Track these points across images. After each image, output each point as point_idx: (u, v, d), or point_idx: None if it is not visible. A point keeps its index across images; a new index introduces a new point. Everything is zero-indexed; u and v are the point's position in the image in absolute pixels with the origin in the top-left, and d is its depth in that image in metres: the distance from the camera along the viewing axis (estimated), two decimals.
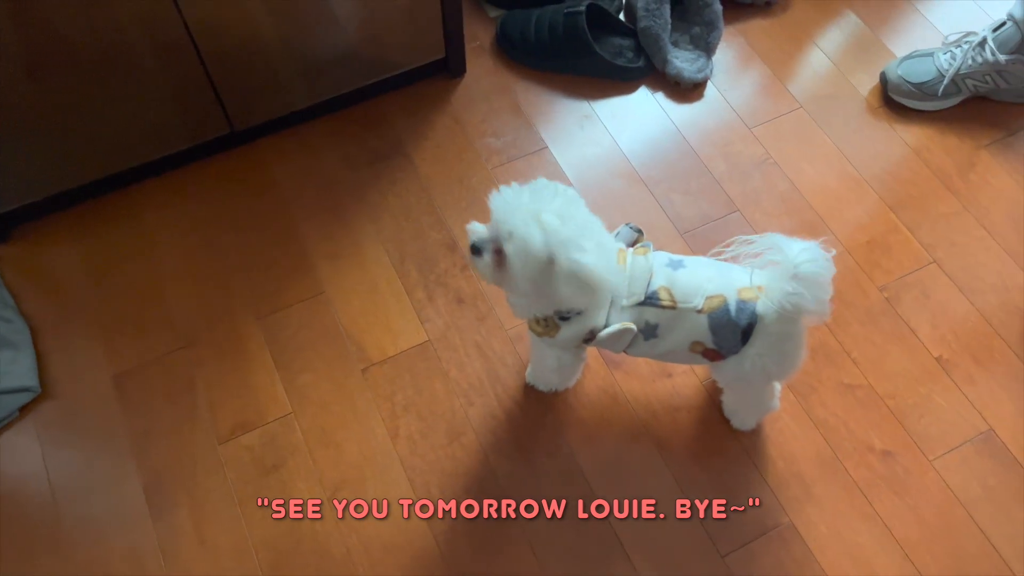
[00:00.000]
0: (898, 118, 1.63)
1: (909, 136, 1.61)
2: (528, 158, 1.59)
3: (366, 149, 1.60)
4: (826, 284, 1.00)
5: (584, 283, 0.99)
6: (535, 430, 1.32)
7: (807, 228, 1.50)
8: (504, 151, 1.60)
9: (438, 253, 1.48)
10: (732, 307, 1.06)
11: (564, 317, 1.11)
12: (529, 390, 1.35)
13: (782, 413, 1.33)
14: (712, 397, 1.34)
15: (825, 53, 1.73)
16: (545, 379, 1.32)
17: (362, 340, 1.40)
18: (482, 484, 1.27)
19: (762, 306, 1.05)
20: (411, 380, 1.36)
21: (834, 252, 0.98)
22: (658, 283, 1.09)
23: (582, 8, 1.62)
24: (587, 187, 1.55)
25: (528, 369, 1.35)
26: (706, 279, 1.08)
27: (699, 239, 1.49)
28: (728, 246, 1.05)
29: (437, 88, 1.68)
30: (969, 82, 1.58)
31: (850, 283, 1.45)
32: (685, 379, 1.36)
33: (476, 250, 1.02)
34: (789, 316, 1.03)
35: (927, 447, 1.30)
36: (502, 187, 1.01)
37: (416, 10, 1.51)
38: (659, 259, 1.12)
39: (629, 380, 1.36)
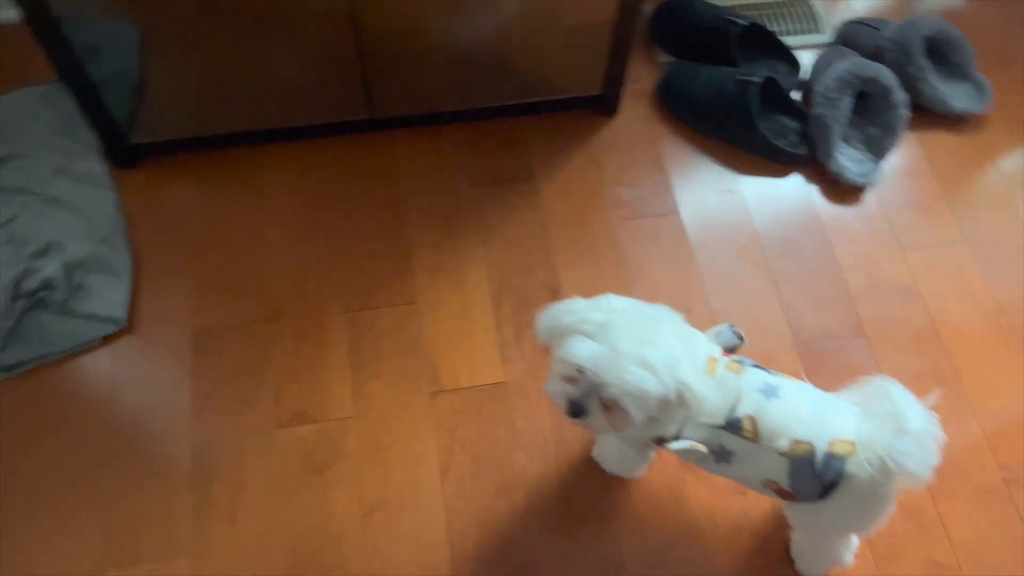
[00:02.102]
0: None
1: None
2: (655, 219, 1.51)
3: (495, 167, 1.55)
4: (935, 447, 0.91)
5: (690, 408, 0.93)
6: (587, 509, 1.25)
7: (936, 375, 1.36)
8: (634, 205, 1.52)
9: (538, 294, 1.42)
10: (819, 458, 0.96)
11: None
12: (592, 464, 1.28)
13: (854, 571, 1.21)
14: (782, 529, 1.24)
15: (1009, 188, 1.57)
16: (608, 463, 1.24)
17: (439, 363, 1.36)
18: (518, 549, 1.21)
19: (853, 466, 0.95)
20: (476, 418, 1.31)
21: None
22: (744, 410, 0.99)
23: (759, 80, 1.51)
24: (708, 265, 1.46)
25: (596, 444, 1.27)
26: (798, 419, 0.98)
27: (813, 356, 1.38)
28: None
29: (583, 122, 1.62)
30: None
31: (969, 450, 1.31)
32: (758, 501, 1.26)
33: (578, 411, 0.95)
34: (886, 473, 0.93)
35: None
36: (578, 342, 0.92)
37: (585, 40, 1.45)
38: (753, 380, 1.02)
39: (699, 485, 1.27)
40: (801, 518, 1.07)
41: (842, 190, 1.55)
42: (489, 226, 1.49)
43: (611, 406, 0.93)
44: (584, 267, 1.45)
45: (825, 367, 1.37)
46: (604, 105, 1.59)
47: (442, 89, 1.51)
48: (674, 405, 0.94)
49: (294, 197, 1.51)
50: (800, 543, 1.19)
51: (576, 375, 0.94)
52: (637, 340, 0.91)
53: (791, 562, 1.20)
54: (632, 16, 1.40)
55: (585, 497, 1.26)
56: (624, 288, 1.43)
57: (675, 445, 1.00)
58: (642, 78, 1.67)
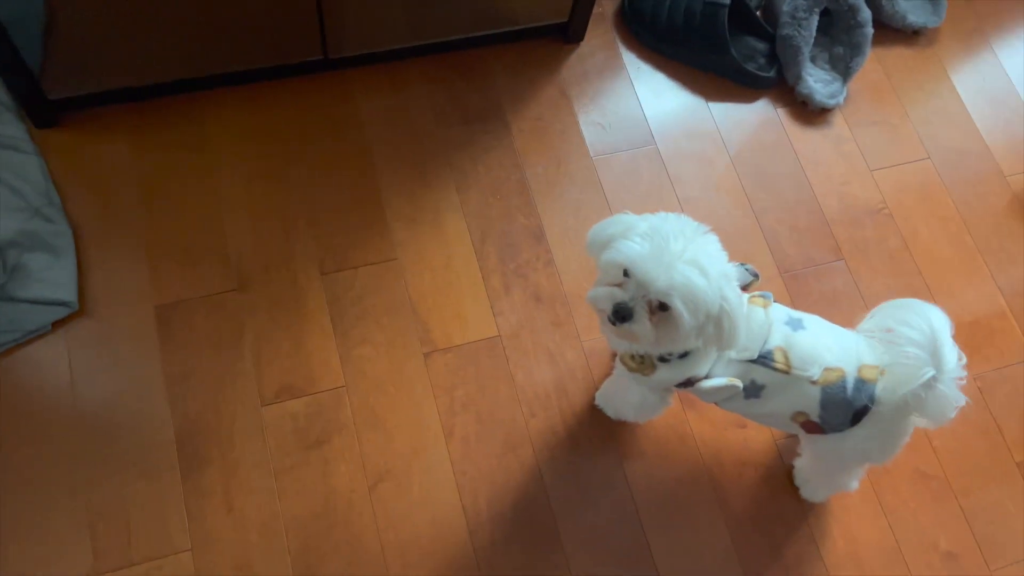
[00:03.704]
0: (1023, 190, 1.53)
1: None
2: (633, 153, 1.47)
3: (462, 105, 1.46)
4: (955, 407, 0.94)
5: (734, 327, 0.91)
6: (595, 456, 1.25)
7: (911, 293, 1.40)
8: (610, 139, 1.47)
9: (523, 240, 1.37)
10: (850, 384, 0.98)
11: (664, 359, 1.02)
12: (595, 412, 1.27)
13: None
14: (784, 457, 1.27)
15: (963, 100, 1.60)
16: (618, 409, 1.23)
17: (429, 321, 1.30)
18: (532, 505, 1.20)
19: (883, 390, 0.97)
20: (474, 376, 1.27)
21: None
22: (775, 342, 1.00)
23: (727, 2, 1.46)
24: (689, 199, 1.44)
25: (600, 390, 1.26)
26: (825, 347, 1.00)
27: (799, 282, 1.40)
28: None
29: (548, 51, 1.53)
30: None
31: None
32: (758, 433, 1.28)
33: (624, 314, 0.90)
34: (916, 400, 0.95)
35: (991, 554, 1.25)
36: (626, 242, 0.90)
37: None
38: (778, 314, 1.03)
39: (700, 422, 1.28)
40: (822, 448, 1.09)
41: (810, 112, 1.55)
42: (462, 170, 1.41)
43: (657, 312, 0.90)
44: (566, 209, 1.40)
45: (809, 292, 1.39)
46: (570, 32, 1.50)
47: (398, 23, 1.39)
48: (714, 322, 0.91)
49: (247, 148, 1.38)
50: (807, 470, 1.22)
51: (623, 280, 0.91)
52: (688, 243, 0.88)
53: (796, 490, 1.24)
54: None
55: (593, 445, 1.25)
56: None
57: (709, 383, 0.99)
58: (602, 2, 1.59)
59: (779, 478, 1.26)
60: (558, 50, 1.53)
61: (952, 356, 0.91)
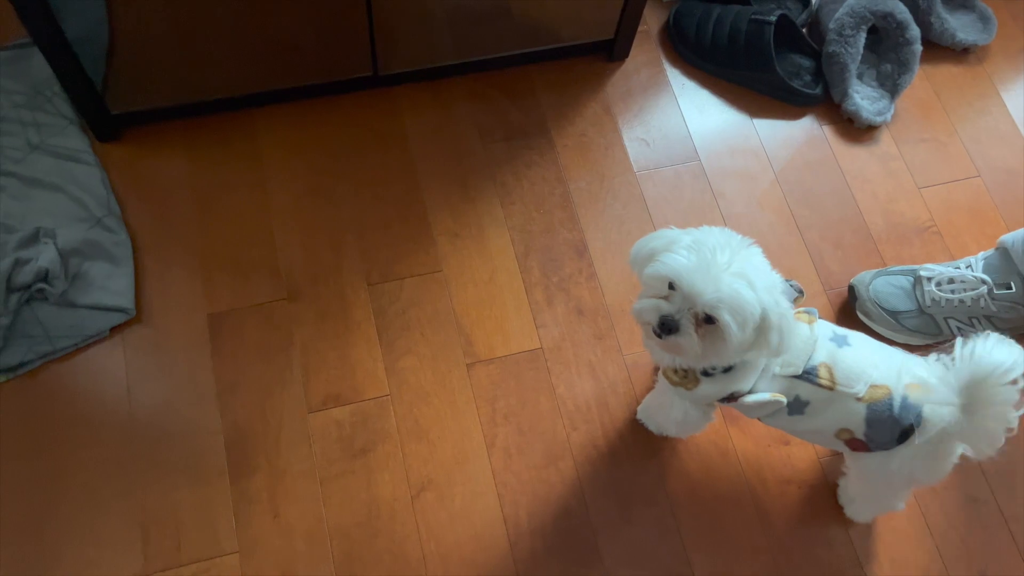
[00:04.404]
0: None
1: None
2: (677, 169, 1.47)
3: (505, 122, 1.48)
4: (1003, 438, 0.92)
5: (784, 338, 0.91)
6: (636, 472, 1.24)
7: None
8: (653, 155, 1.48)
9: (565, 254, 1.38)
10: (896, 402, 0.97)
11: (707, 373, 1.02)
12: (636, 426, 1.27)
13: (898, 512, 1.24)
14: (828, 476, 1.26)
15: (1014, 118, 1.58)
16: (660, 424, 1.23)
17: (472, 333, 1.31)
18: (573, 519, 1.21)
19: (931, 411, 0.96)
20: (516, 388, 1.28)
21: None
22: (819, 358, 0.99)
23: (772, 19, 1.47)
24: (732, 215, 1.44)
25: (641, 405, 1.26)
26: (872, 364, 0.99)
27: (844, 300, 1.38)
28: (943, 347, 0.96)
29: (592, 69, 1.55)
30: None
31: None
32: (802, 451, 1.27)
33: (671, 327, 0.90)
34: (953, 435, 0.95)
35: None
36: (671, 255, 0.90)
37: None
38: (823, 330, 1.03)
39: (743, 439, 1.27)
40: (867, 466, 1.08)
41: (856, 129, 1.54)
42: (506, 185, 1.43)
43: (704, 325, 0.90)
44: (609, 224, 1.41)
45: (854, 310, 1.37)
46: (615, 50, 1.52)
47: (444, 40, 1.42)
48: (764, 332, 0.90)
49: (297, 163, 1.42)
50: (852, 490, 1.21)
51: (668, 292, 0.91)
52: (734, 255, 0.89)
53: (840, 509, 1.23)
54: None
55: (634, 460, 1.25)
56: None
57: (753, 398, 0.99)
58: (648, 19, 1.61)
59: (823, 497, 1.24)
60: (603, 68, 1.55)
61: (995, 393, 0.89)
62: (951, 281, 1.29)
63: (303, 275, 1.33)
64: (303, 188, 1.40)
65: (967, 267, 1.29)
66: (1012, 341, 0.89)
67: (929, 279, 1.30)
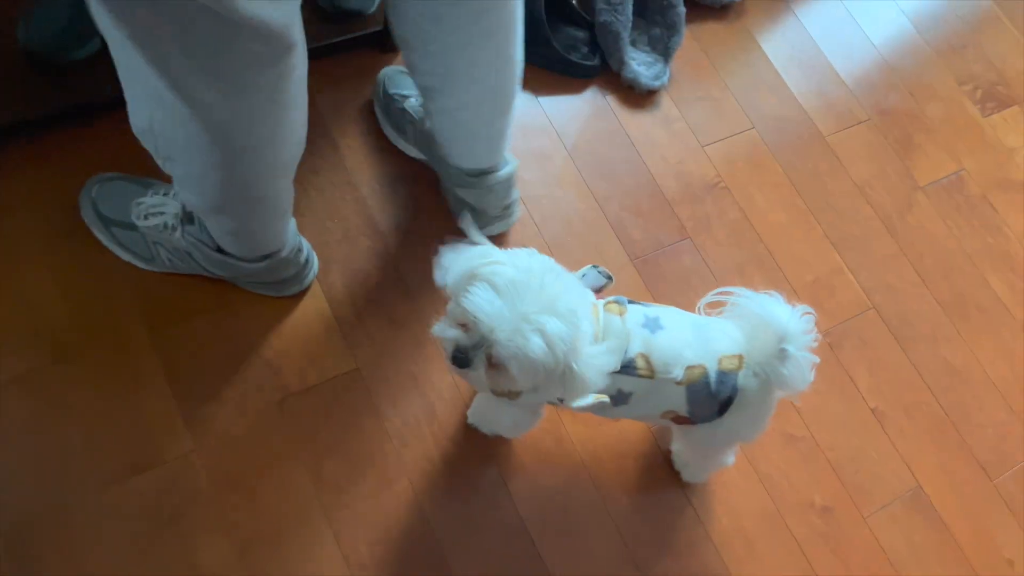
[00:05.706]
0: (841, 149, 1.60)
1: (854, 171, 1.58)
2: None
3: None
4: (812, 366, 0.96)
5: (570, 387, 0.90)
6: (474, 477, 1.20)
7: (757, 262, 1.45)
8: None
9: (369, 263, 1.30)
10: (712, 378, 0.98)
11: None
12: (470, 431, 1.22)
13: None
14: (659, 444, 1.27)
15: (776, 68, 1.66)
16: (492, 426, 1.19)
17: (278, 364, 1.21)
18: (417, 540, 1.14)
19: (744, 379, 0.99)
20: (337, 415, 1.20)
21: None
22: (636, 348, 0.98)
23: None
24: (533, 199, 1.41)
25: (471, 408, 1.21)
26: (685, 344, 1.00)
27: (650, 267, 1.40)
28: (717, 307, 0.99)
29: (365, 63, 1.46)
30: None
31: None
32: (633, 424, 1.28)
33: (463, 361, 0.87)
34: (771, 388, 0.98)
35: (862, 502, 1.30)
36: (481, 291, 0.85)
37: None
38: (634, 317, 1.01)
39: (575, 423, 1.26)
40: (695, 437, 1.10)
41: (638, 95, 1.56)
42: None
43: (497, 366, 0.87)
44: (413, 227, 1.34)
45: (662, 276, 1.40)
46: (387, 41, 1.44)
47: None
48: (555, 380, 0.89)
49: (40, 200, 1.23)
50: (684, 454, 1.23)
51: (470, 323, 0.87)
52: (542, 307, 0.85)
53: (677, 474, 1.25)
54: None
55: (471, 466, 1.21)
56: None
57: (578, 403, 0.97)
58: None
59: (659, 465, 1.26)
60: (375, 60, 1.46)
61: (795, 322, 0.93)
62: None
63: (70, 327, 1.17)
64: (54, 231, 1.22)
65: None
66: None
67: None
